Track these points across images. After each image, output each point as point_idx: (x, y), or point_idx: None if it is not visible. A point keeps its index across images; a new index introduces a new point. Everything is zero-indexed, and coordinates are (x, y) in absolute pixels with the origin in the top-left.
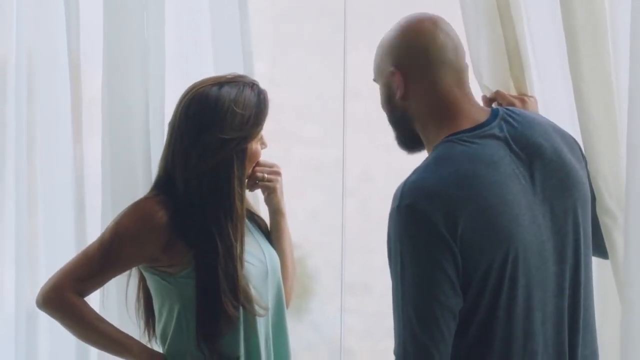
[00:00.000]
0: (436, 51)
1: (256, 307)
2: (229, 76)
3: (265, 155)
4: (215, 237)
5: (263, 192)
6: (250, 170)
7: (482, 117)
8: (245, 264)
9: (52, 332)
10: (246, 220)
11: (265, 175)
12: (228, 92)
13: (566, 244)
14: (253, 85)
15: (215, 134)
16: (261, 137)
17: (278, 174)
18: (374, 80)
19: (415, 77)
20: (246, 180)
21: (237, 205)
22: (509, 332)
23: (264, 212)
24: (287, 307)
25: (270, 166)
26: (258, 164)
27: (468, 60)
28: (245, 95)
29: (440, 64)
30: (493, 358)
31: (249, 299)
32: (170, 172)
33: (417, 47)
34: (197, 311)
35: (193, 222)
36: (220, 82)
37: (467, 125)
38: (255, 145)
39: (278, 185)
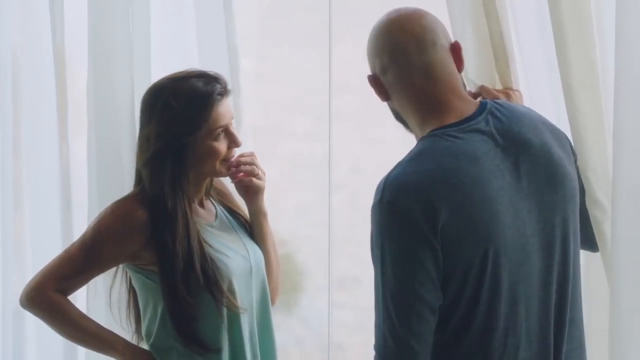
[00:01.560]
0: (419, 47)
1: (232, 305)
2: (198, 71)
3: (254, 151)
4: (166, 229)
5: (248, 192)
6: (213, 168)
7: (469, 110)
8: (227, 259)
9: (40, 329)
10: (229, 217)
11: (260, 173)
12: (174, 85)
13: (553, 239)
14: (211, 82)
15: (151, 126)
16: (231, 135)
17: (264, 172)
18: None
19: (389, 81)
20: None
21: (169, 202)
22: (490, 327)
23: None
24: (272, 305)
25: (252, 164)
26: (241, 162)
27: None
28: (189, 91)
29: (423, 60)
30: (472, 351)
31: (225, 295)
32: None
33: (384, 51)
34: (164, 301)
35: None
36: (178, 76)
37: (452, 119)
38: (210, 142)
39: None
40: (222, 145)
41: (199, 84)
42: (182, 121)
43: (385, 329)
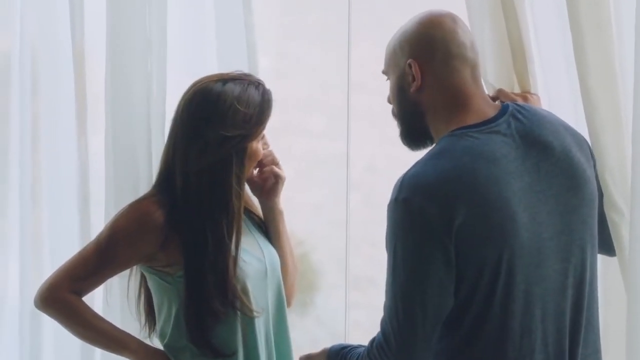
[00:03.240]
0: (455, 45)
1: (247, 309)
2: (234, 74)
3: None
4: (207, 232)
5: (265, 190)
6: (250, 170)
7: (491, 112)
8: (243, 263)
9: (56, 329)
10: (245, 219)
11: (281, 173)
12: (232, 88)
13: (571, 242)
14: (258, 84)
15: (216, 130)
16: (263, 137)
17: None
18: (384, 72)
19: (433, 69)
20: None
21: (233, 203)
22: (505, 328)
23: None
24: (288, 306)
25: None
26: (263, 162)
27: None
28: (249, 94)
29: (459, 58)
30: (487, 353)
31: (240, 299)
32: (170, 166)
33: (437, 40)
34: (184, 306)
35: (188, 219)
36: (225, 79)
37: (475, 120)
38: (256, 144)
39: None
40: (260, 147)
41: (252, 87)
42: (248, 125)
43: (391, 325)
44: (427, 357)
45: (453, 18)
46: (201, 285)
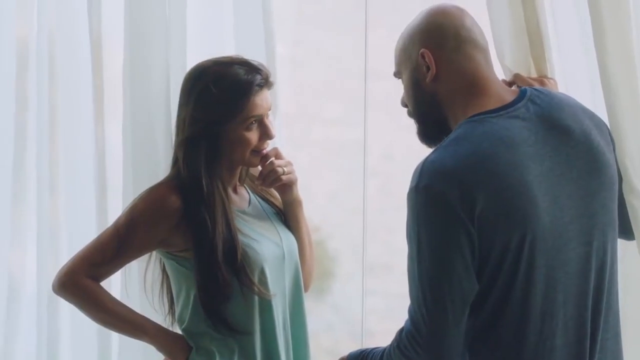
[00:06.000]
0: (465, 30)
1: (255, 288)
2: (239, 59)
3: (287, 136)
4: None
5: (281, 186)
6: (243, 158)
7: (510, 97)
8: (260, 246)
9: (74, 314)
10: (262, 205)
11: (284, 169)
12: (216, 70)
13: (593, 225)
14: (253, 71)
15: (188, 109)
16: (265, 127)
17: (291, 163)
18: (396, 74)
19: (447, 56)
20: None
21: (204, 184)
22: (525, 312)
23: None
24: (305, 291)
25: (281, 158)
26: (266, 157)
27: (490, 42)
28: (229, 77)
29: (470, 43)
30: (507, 336)
31: (248, 278)
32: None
33: (448, 27)
34: (197, 278)
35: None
36: (222, 61)
37: (493, 105)
38: (242, 131)
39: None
40: (253, 136)
41: (241, 71)
42: (218, 108)
43: (420, 313)
44: (459, 342)
45: (459, 8)
46: (207, 263)
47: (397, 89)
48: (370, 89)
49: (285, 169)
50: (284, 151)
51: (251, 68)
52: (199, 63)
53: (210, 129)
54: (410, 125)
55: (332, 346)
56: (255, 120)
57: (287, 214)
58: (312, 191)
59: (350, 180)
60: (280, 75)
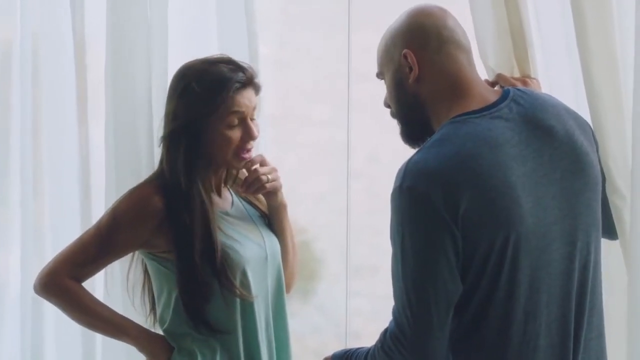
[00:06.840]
0: (447, 31)
1: (235, 289)
2: (226, 58)
3: (273, 137)
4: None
5: (266, 193)
6: (224, 158)
7: (493, 97)
8: (242, 248)
9: (58, 315)
10: (246, 207)
11: (269, 177)
12: (200, 68)
13: (576, 226)
14: (236, 70)
15: (171, 105)
16: (247, 126)
17: (276, 170)
18: (378, 75)
19: (429, 57)
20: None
21: (183, 181)
22: (509, 313)
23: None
24: (287, 293)
25: (266, 164)
26: (251, 164)
27: (473, 42)
28: (213, 74)
29: (452, 43)
30: (491, 338)
31: (227, 277)
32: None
33: (430, 28)
34: (177, 278)
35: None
36: (208, 60)
37: (476, 105)
38: (223, 129)
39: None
40: (235, 135)
41: (224, 69)
42: (198, 104)
43: (405, 314)
44: (443, 344)
45: (441, 8)
46: (187, 264)
47: (383, 90)
48: (356, 91)
49: (269, 176)
50: (269, 153)
51: (236, 67)
52: (187, 62)
53: (191, 125)
54: (396, 128)
55: (319, 347)
56: (237, 118)
57: (272, 218)
58: (299, 193)
59: (337, 182)
60: (265, 76)
